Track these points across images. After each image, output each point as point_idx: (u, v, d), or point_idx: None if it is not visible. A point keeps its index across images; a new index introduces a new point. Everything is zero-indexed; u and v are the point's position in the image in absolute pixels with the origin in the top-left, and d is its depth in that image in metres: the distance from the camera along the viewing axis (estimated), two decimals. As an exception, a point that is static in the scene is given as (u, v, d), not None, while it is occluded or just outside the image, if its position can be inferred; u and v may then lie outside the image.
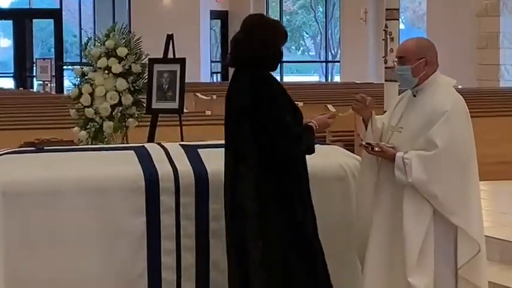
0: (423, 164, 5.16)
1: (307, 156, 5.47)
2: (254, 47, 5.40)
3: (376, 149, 5.31)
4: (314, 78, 32.00)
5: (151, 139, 7.73)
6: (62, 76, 27.87)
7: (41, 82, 26.29)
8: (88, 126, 7.88)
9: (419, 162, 5.16)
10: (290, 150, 5.39)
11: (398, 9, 7.77)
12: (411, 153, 5.17)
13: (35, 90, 26.18)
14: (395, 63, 5.53)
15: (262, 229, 5.37)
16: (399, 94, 5.80)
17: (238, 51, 5.48)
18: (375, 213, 5.45)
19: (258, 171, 5.37)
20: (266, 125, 5.32)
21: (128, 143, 7.54)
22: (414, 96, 5.41)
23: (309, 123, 5.49)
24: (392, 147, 5.30)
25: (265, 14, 29.26)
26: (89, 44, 8.22)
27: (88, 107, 7.90)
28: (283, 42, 5.55)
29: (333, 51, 30.23)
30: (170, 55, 7.98)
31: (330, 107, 12.44)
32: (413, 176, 5.16)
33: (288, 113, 5.38)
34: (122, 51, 7.89)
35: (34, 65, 27.87)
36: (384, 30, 7.23)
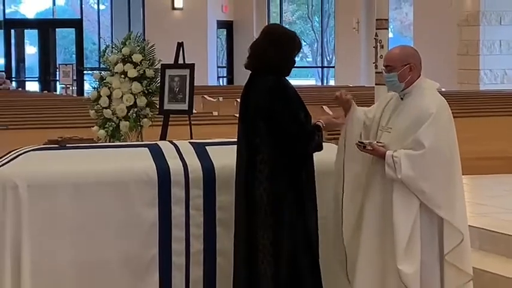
0: (411, 162, 5.16)
1: None
2: (272, 53, 5.41)
3: (368, 147, 5.31)
4: (311, 82, 32.00)
5: (163, 137, 7.72)
6: (82, 80, 27.87)
7: (63, 85, 26.29)
8: (106, 126, 7.88)
9: (407, 161, 5.16)
10: (304, 147, 5.40)
11: (387, 20, 7.76)
12: (400, 152, 5.17)
13: (58, 93, 26.19)
14: (383, 70, 5.54)
15: (273, 222, 5.35)
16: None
17: (256, 56, 5.48)
18: (366, 207, 5.44)
19: (271, 166, 5.35)
20: (282, 123, 5.33)
21: (142, 141, 7.54)
22: (402, 99, 5.41)
23: (317, 123, 5.49)
24: (383, 145, 5.30)
25: (266, 23, 29.35)
26: (106, 51, 8.21)
27: (106, 108, 7.90)
28: (297, 52, 5.60)
29: (328, 58, 30.19)
30: (180, 61, 7.98)
31: (325, 108, 12.43)
32: (402, 173, 5.16)
33: (302, 113, 5.40)
34: (137, 57, 7.88)
35: (57, 70, 27.83)
36: (374, 38, 7.22)
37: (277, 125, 5.34)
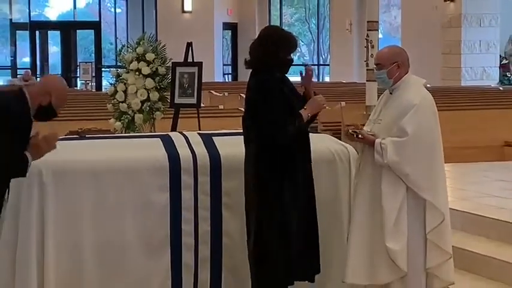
0: (396, 148, 5.18)
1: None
2: (260, 53, 5.37)
3: (360, 136, 5.33)
4: (308, 79, 31.97)
5: (174, 128, 7.73)
6: (101, 77, 27.83)
7: (83, 82, 26.26)
8: (122, 118, 7.89)
9: (393, 147, 5.18)
10: (274, 137, 5.30)
11: (377, 22, 7.75)
12: (387, 139, 5.20)
13: (78, 88, 26.16)
14: (374, 68, 5.56)
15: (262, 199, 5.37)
16: (378, 92, 5.82)
17: (251, 56, 5.44)
18: (358, 189, 5.46)
19: (258, 151, 5.34)
20: (262, 116, 5.29)
21: (155, 132, 7.55)
22: (391, 93, 5.43)
23: (301, 111, 5.40)
24: (373, 134, 5.32)
25: (267, 25, 29.29)
26: (122, 50, 8.23)
27: (122, 102, 7.91)
28: (291, 50, 5.49)
29: (323, 56, 30.13)
30: (190, 59, 7.98)
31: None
32: (388, 158, 5.18)
33: (283, 108, 5.31)
34: (150, 56, 7.89)
35: (77, 67, 27.83)
36: (365, 39, 7.20)
37: (260, 117, 5.31)
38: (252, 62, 5.44)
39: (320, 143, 5.95)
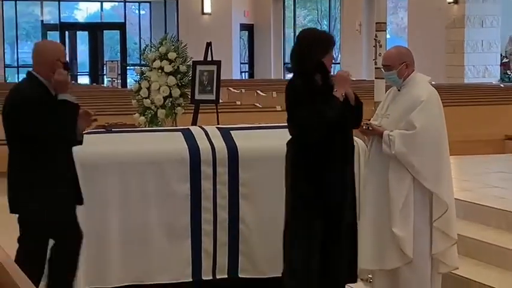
0: (404, 140, 5.16)
1: None
2: (302, 55, 5.15)
3: (370, 128, 5.31)
4: (320, 76, 31.89)
5: (194, 123, 7.74)
6: (126, 74, 27.90)
7: (109, 79, 26.35)
8: (146, 113, 7.91)
9: (400, 139, 5.16)
10: (306, 137, 5.11)
11: (385, 23, 7.71)
12: (395, 131, 5.18)
13: (105, 85, 26.24)
14: (382, 69, 5.52)
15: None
16: (385, 89, 5.79)
17: (292, 60, 5.25)
18: (367, 178, 5.45)
19: (292, 162, 5.16)
20: (292, 118, 5.11)
21: (176, 126, 7.55)
22: (399, 90, 5.41)
23: (335, 94, 5.15)
24: (381, 127, 5.31)
25: (281, 27, 29.19)
26: (146, 49, 8.24)
27: (146, 98, 7.93)
28: (329, 50, 5.21)
29: (334, 55, 30.13)
30: (209, 58, 7.98)
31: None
32: (396, 148, 5.16)
33: (323, 104, 5.08)
34: (172, 55, 7.90)
35: (104, 66, 27.91)
36: (374, 39, 7.17)
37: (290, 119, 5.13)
38: (292, 65, 5.27)
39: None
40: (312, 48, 5.13)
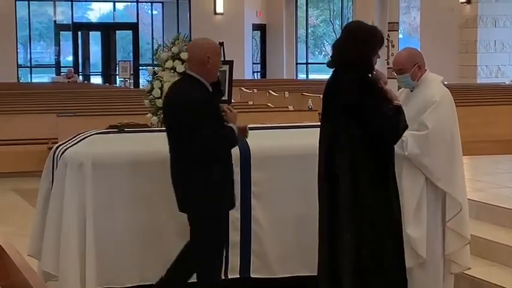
0: (416, 141, 5.14)
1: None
2: (352, 51, 4.87)
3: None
4: (332, 76, 31.84)
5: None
6: (138, 74, 27.93)
7: (122, 79, 26.40)
8: (158, 113, 7.90)
9: (413, 140, 5.14)
10: (393, 135, 4.91)
11: (398, 23, 7.73)
12: (407, 133, 5.13)
13: (117, 85, 26.29)
14: (394, 73, 5.47)
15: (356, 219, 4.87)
16: (397, 88, 5.76)
17: (339, 55, 4.94)
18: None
19: (355, 165, 4.83)
20: (370, 118, 4.81)
21: (188, 126, 7.54)
22: (411, 91, 5.39)
23: (395, 103, 4.96)
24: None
25: (294, 27, 29.10)
26: (159, 49, 8.23)
27: (158, 98, 7.92)
28: (379, 46, 5.01)
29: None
30: (221, 58, 7.97)
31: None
32: (408, 150, 5.14)
33: (386, 105, 4.90)
34: (184, 55, 7.88)
35: (117, 66, 27.96)
36: (386, 39, 7.19)
37: (365, 120, 4.78)
38: (340, 61, 4.93)
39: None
40: (366, 45, 4.90)
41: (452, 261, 5.33)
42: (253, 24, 27.84)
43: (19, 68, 27.23)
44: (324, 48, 36.72)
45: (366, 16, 24.87)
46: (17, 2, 26.67)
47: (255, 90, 17.48)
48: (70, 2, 28.49)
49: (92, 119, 10.80)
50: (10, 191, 10.66)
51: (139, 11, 29.82)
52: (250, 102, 14.23)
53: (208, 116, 4.95)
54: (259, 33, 28.65)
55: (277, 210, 5.77)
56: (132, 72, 26.09)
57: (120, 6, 31.31)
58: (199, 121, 4.91)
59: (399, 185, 5.09)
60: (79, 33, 28.70)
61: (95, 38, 29.88)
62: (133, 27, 29.37)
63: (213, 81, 5.15)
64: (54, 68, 28.73)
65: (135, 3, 29.63)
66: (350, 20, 27.66)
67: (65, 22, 28.94)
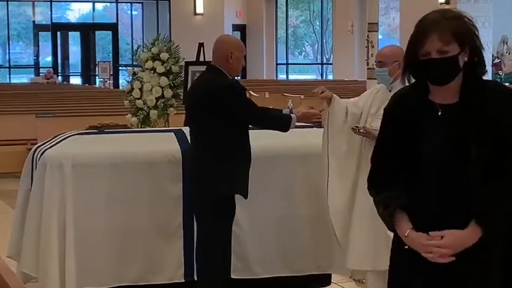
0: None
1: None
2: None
3: (362, 130, 5.30)
4: (312, 77, 31.93)
5: (186, 124, 7.72)
6: (118, 75, 27.87)
7: (101, 79, 26.33)
8: (138, 114, 7.89)
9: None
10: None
11: (377, 23, 7.73)
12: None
13: (97, 85, 26.21)
14: (374, 65, 5.52)
15: None
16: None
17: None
18: (360, 185, 5.38)
19: None
20: None
21: (168, 127, 7.55)
22: (390, 91, 5.41)
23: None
24: (375, 129, 5.28)
25: (274, 27, 29.00)
26: (138, 50, 8.23)
27: (138, 98, 7.91)
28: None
29: (326, 56, 30.06)
30: (201, 59, 7.98)
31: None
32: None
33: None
34: (164, 55, 7.89)
35: (96, 66, 27.89)
36: (366, 39, 7.20)
37: None
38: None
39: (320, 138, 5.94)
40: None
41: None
42: (233, 24, 27.84)
43: (-3, 69, 27.12)
44: (304, 49, 36.83)
45: (346, 17, 24.98)
46: (-5, 2, 26.56)
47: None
48: (49, 2, 28.38)
49: (71, 120, 10.76)
50: (-11, 192, 10.61)
51: (118, 12, 29.75)
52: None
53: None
54: (239, 34, 28.66)
55: (260, 211, 5.77)
56: (111, 73, 26.03)
57: (99, 6, 31.22)
58: (246, 101, 5.16)
59: None
60: (58, 33, 28.60)
61: (74, 38, 29.78)
62: (113, 27, 29.31)
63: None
64: (33, 69, 28.61)
65: (114, 3, 29.56)
66: (329, 21, 27.76)
67: (44, 22, 28.83)
